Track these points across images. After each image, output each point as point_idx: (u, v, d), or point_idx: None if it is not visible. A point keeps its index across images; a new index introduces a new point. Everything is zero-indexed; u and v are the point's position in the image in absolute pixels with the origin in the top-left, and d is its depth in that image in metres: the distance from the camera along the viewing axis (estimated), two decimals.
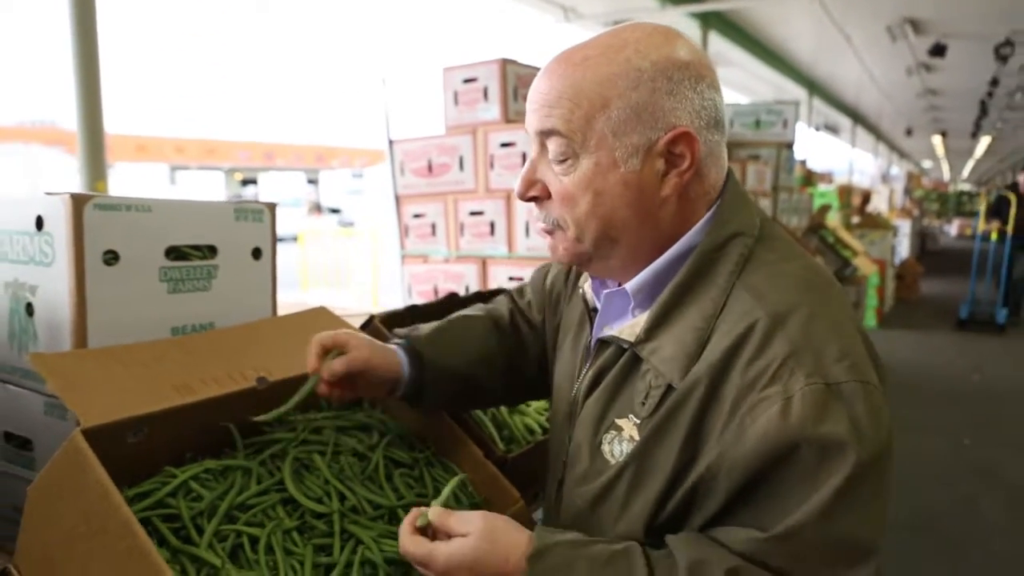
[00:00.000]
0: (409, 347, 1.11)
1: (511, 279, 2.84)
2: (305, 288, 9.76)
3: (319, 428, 1.15)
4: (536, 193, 0.89)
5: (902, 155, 34.02)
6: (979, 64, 11.14)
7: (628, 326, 0.88)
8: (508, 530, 0.81)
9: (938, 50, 9.42)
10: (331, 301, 1.36)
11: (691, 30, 9.14)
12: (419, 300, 2.88)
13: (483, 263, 2.96)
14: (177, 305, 1.14)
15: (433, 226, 3.13)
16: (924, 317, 9.03)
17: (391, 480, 1.11)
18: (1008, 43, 9.21)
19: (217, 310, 1.19)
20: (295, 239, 10.62)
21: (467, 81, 3.01)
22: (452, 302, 1.68)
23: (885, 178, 20.81)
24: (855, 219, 9.60)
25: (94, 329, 1.03)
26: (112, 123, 3.12)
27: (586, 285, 1.01)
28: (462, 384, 1.15)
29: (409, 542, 0.83)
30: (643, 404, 0.83)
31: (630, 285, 0.89)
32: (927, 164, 40.27)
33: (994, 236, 8.63)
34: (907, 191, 16.51)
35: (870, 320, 8.08)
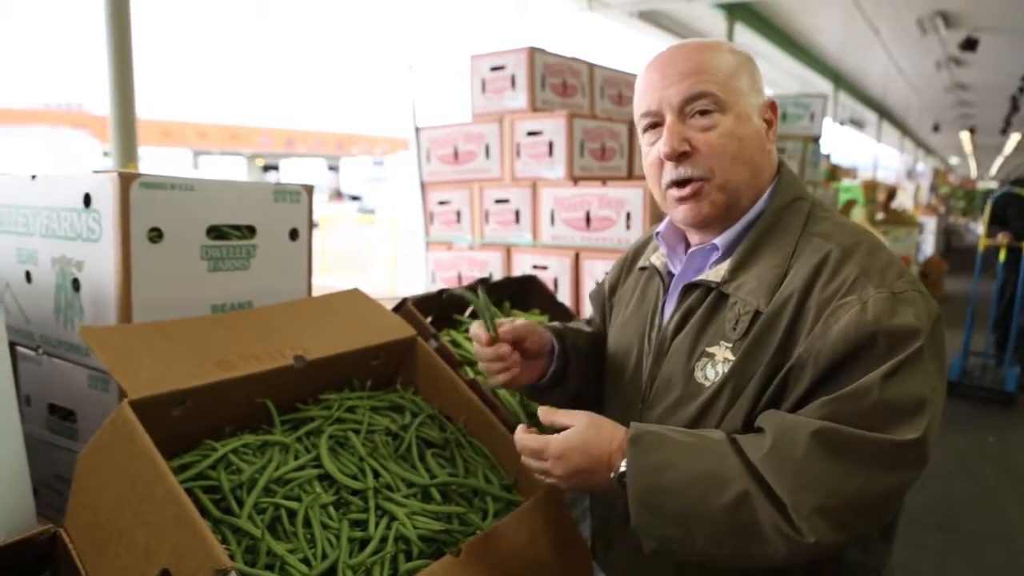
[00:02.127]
0: (553, 330, 1.25)
1: (535, 267, 2.85)
2: (324, 273, 9.82)
3: (353, 407, 1.17)
4: (686, 148, 1.03)
5: (928, 151, 33.54)
6: (1011, 59, 10.93)
7: (712, 272, 1.05)
8: (608, 420, 1.00)
9: (969, 44, 9.25)
10: (349, 287, 1.38)
11: (717, 21, 9.06)
12: (443, 287, 2.90)
13: (507, 251, 2.97)
14: (217, 283, 1.16)
15: (458, 213, 3.14)
16: (948, 315, 8.87)
17: (423, 459, 1.13)
18: None
19: (255, 289, 1.21)
20: (315, 225, 10.67)
21: (495, 69, 3.01)
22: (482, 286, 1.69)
23: (911, 174, 20.53)
24: (880, 215, 9.49)
25: (139, 305, 1.06)
26: (138, 108, 3.15)
27: (654, 258, 1.19)
28: (591, 364, 1.27)
29: (525, 437, 1.00)
30: (734, 329, 0.99)
31: (720, 239, 1.06)
32: (954, 161, 39.68)
33: (1002, 255, 5.88)
34: (933, 188, 16.28)
35: None
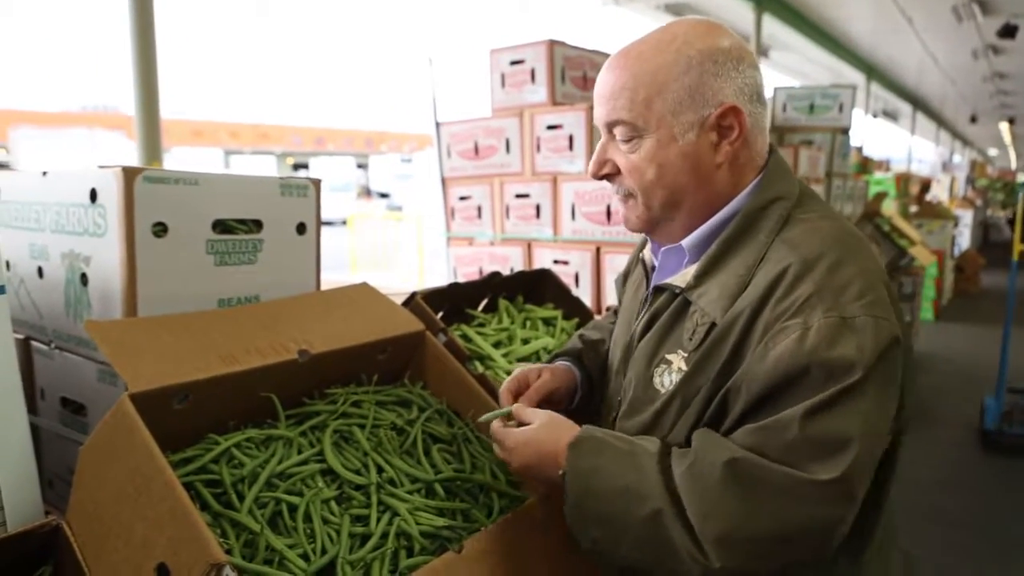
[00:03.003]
0: (576, 359, 1.27)
1: (555, 262, 2.83)
2: (354, 270, 9.90)
3: (359, 402, 1.16)
4: (608, 171, 1.04)
5: (965, 142, 32.78)
6: None
7: (680, 276, 1.02)
8: (566, 422, 1.02)
9: (1008, 31, 9.00)
10: (378, 282, 1.38)
11: (744, 13, 8.93)
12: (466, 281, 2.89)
13: (528, 246, 2.96)
14: (223, 277, 1.16)
15: (479, 208, 3.13)
16: (984, 311, 8.68)
17: (429, 454, 1.12)
18: None
19: (262, 283, 1.21)
20: (344, 223, 10.76)
21: (514, 63, 2.99)
22: (493, 281, 1.68)
23: (946, 166, 20.06)
24: (913, 208, 9.28)
25: (144, 299, 1.06)
26: (169, 108, 3.19)
27: (646, 250, 1.16)
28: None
29: (495, 426, 1.06)
30: (690, 339, 0.97)
31: (686, 241, 1.02)
32: (993, 152, 38.73)
33: None
34: (970, 180, 15.88)
35: (926, 313, 7.82)
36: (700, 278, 0.98)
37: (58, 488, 1.22)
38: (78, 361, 1.14)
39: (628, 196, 1.03)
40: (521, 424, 1.05)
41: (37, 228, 1.19)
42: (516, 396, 1.14)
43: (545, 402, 1.17)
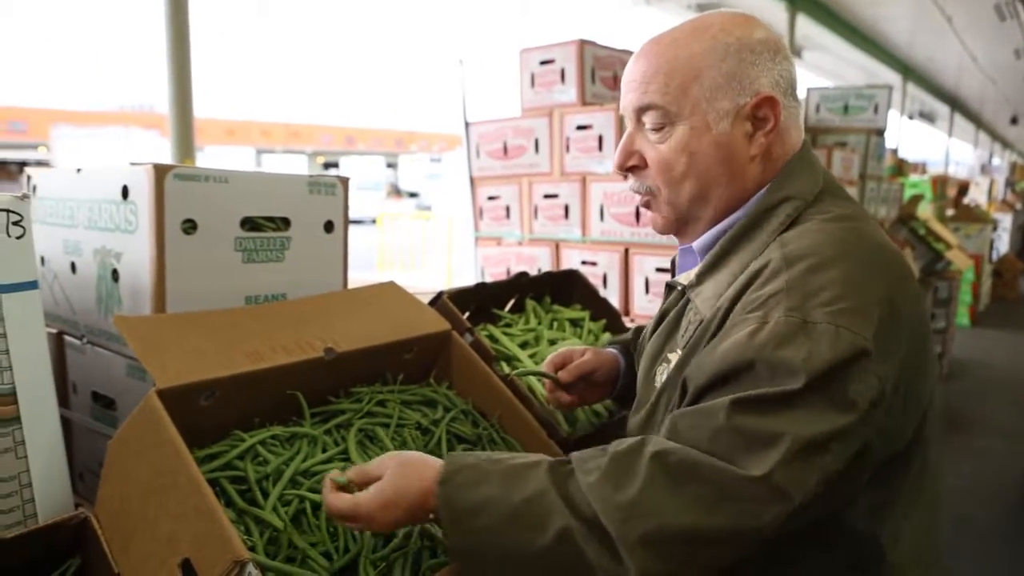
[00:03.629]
0: (623, 347, 1.27)
1: (584, 263, 2.81)
2: (381, 269, 9.96)
3: (384, 401, 1.16)
4: (635, 163, 0.99)
5: (1005, 145, 32.05)
6: None
7: (687, 274, 1.01)
8: (421, 459, 0.88)
9: None
10: (406, 282, 1.38)
11: (778, 12, 8.82)
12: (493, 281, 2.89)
13: (556, 246, 2.94)
14: (251, 275, 1.17)
15: (507, 208, 3.13)
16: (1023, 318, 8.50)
17: None
18: None
19: (289, 281, 1.22)
20: (373, 222, 10.83)
21: (544, 63, 2.98)
22: (520, 281, 1.67)
23: (985, 169, 19.63)
24: (950, 211, 9.10)
25: (173, 295, 1.07)
26: (203, 108, 3.24)
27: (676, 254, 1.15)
28: None
29: (332, 498, 0.86)
30: (683, 336, 0.97)
31: (697, 243, 1.00)
32: None
33: None
34: (1009, 183, 15.52)
35: (962, 318, 7.65)
36: (701, 276, 0.97)
37: (88, 481, 1.24)
38: (108, 356, 1.16)
39: (650, 194, 1.00)
40: (365, 486, 0.88)
41: (71, 224, 1.21)
42: (558, 368, 1.18)
43: (584, 382, 1.21)
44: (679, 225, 1.01)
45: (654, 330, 1.06)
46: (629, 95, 0.98)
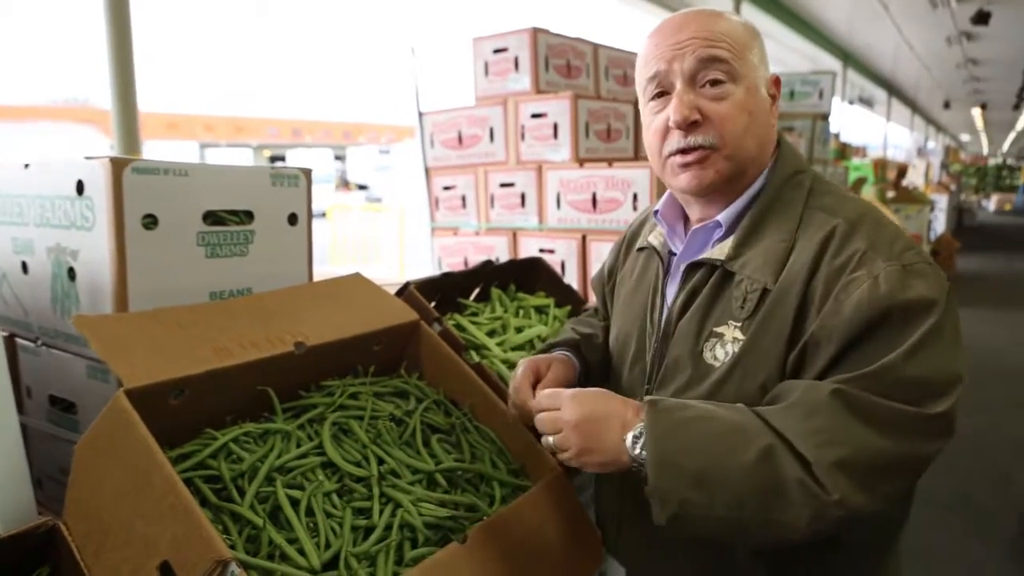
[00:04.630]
0: (575, 349, 1.26)
1: (541, 251, 2.82)
2: (334, 263, 9.82)
3: (356, 394, 1.15)
4: (697, 117, 1.00)
5: (939, 128, 33.18)
6: None
7: (717, 249, 1.03)
8: (610, 392, 1.01)
9: (981, 17, 9.10)
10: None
11: (723, 1, 8.94)
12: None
13: (513, 235, 2.94)
14: (215, 270, 1.14)
15: (463, 198, 3.11)
16: (961, 293, 8.81)
17: (428, 445, 1.11)
18: None
19: (254, 275, 1.19)
20: (323, 215, 10.68)
21: (497, 51, 2.97)
22: (485, 270, 1.67)
23: (921, 152, 20.31)
24: (890, 193, 9.38)
25: (135, 293, 1.04)
26: (143, 101, 3.13)
27: (652, 237, 1.18)
28: (604, 370, 1.27)
29: (538, 394, 1.04)
30: (742, 307, 0.98)
31: (723, 216, 1.04)
32: (965, 138, 39.24)
33: None
34: (944, 165, 16.09)
35: None
36: (739, 248, 1.00)
37: (47, 488, 1.20)
38: (66, 358, 1.12)
39: (709, 148, 1.00)
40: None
41: (20, 222, 1.16)
42: (534, 386, 1.13)
43: None
44: (728, 181, 1.02)
45: (682, 312, 1.05)
46: (688, 53, 0.99)
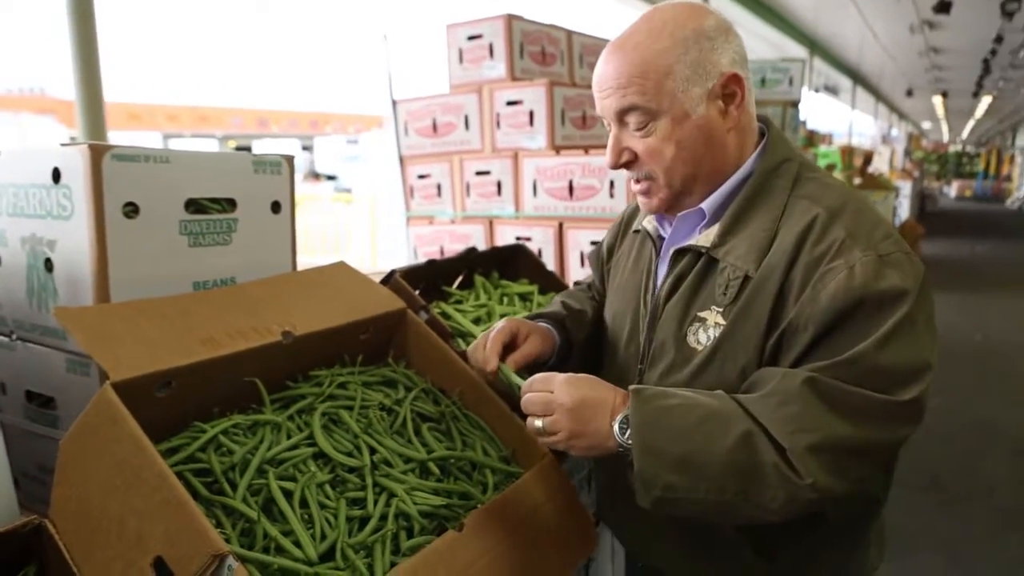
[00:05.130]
0: (559, 325, 1.25)
1: (518, 238, 2.81)
2: (304, 254, 9.70)
3: (345, 383, 1.14)
4: (627, 159, 1.06)
5: (902, 116, 33.73)
6: (984, 21, 10.95)
7: (703, 236, 1.05)
8: (599, 380, 1.01)
9: (943, 6, 9.25)
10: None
11: None
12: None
13: (490, 223, 2.93)
14: (198, 259, 1.11)
15: (439, 187, 3.09)
16: None
17: (419, 434, 1.10)
18: None
19: (238, 264, 1.17)
20: None
21: (472, 38, 2.95)
22: (470, 257, 1.66)
23: (886, 139, 20.65)
24: (857, 180, 9.53)
25: (116, 284, 1.01)
26: (104, 90, 3.05)
27: (646, 222, 1.18)
28: (593, 346, 1.28)
29: (536, 394, 0.99)
30: (724, 294, 1.00)
31: (706, 204, 1.05)
32: (926, 125, 39.97)
33: None
34: (907, 152, 16.39)
35: None
36: (724, 236, 1.02)
37: (25, 487, 1.16)
38: (44, 352, 1.09)
39: (648, 179, 1.06)
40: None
41: None
42: (506, 345, 1.13)
43: (526, 368, 1.14)
44: (675, 202, 1.07)
45: (668, 296, 1.08)
46: (607, 100, 1.04)
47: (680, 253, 1.08)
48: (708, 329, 1.02)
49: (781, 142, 1.08)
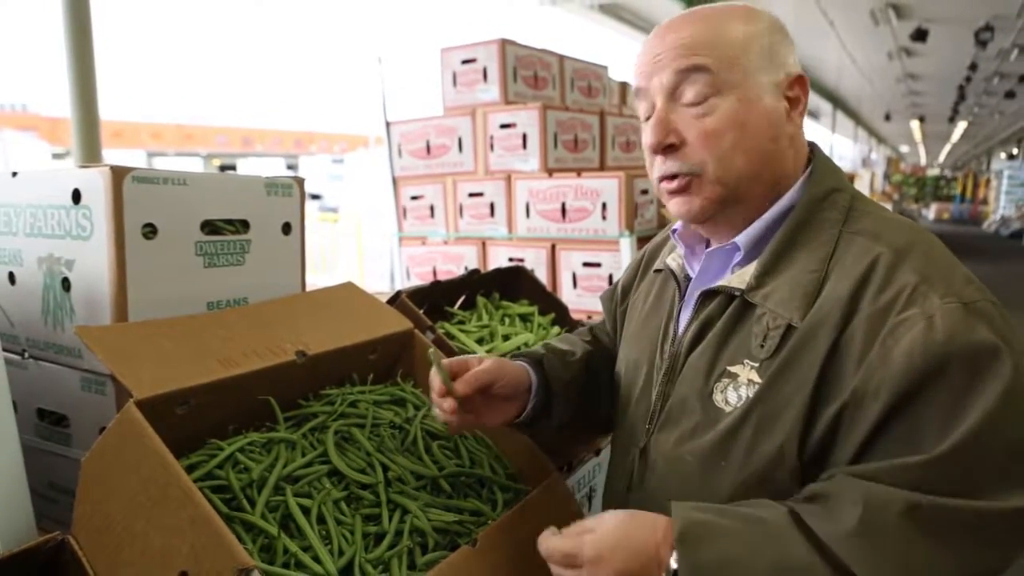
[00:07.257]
0: (535, 364, 1.09)
1: (511, 260, 2.85)
2: None
3: (356, 402, 1.15)
4: (672, 141, 0.89)
5: (880, 140, 34.33)
6: (959, 49, 11.26)
7: (736, 276, 0.90)
8: (643, 512, 0.82)
9: (920, 35, 9.51)
10: (319, 286, 1.35)
11: (676, 12, 9.14)
12: (417, 282, 2.87)
13: (482, 244, 2.96)
14: (213, 279, 1.13)
15: (432, 208, 3.12)
16: None
17: (430, 451, 1.12)
18: (988, 28, 9.32)
19: (250, 284, 1.19)
20: None
21: (466, 62, 3.00)
22: (472, 278, 1.69)
23: (866, 162, 20.99)
24: None
25: (134, 303, 1.02)
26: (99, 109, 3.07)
27: (670, 259, 1.05)
28: (581, 390, 1.13)
29: (555, 540, 0.83)
30: (762, 347, 0.84)
31: (741, 238, 0.91)
32: (904, 149, 40.69)
33: None
34: (887, 176, 16.68)
35: None
36: (762, 277, 0.87)
37: (36, 505, 1.16)
38: (57, 370, 1.10)
39: (691, 175, 0.89)
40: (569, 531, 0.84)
41: (7, 232, 1.14)
42: (454, 377, 0.98)
43: (482, 395, 0.99)
44: (722, 207, 0.90)
45: (693, 344, 0.93)
46: (663, 63, 0.89)
47: (708, 295, 0.92)
48: (740, 387, 0.85)
49: (830, 168, 0.93)
